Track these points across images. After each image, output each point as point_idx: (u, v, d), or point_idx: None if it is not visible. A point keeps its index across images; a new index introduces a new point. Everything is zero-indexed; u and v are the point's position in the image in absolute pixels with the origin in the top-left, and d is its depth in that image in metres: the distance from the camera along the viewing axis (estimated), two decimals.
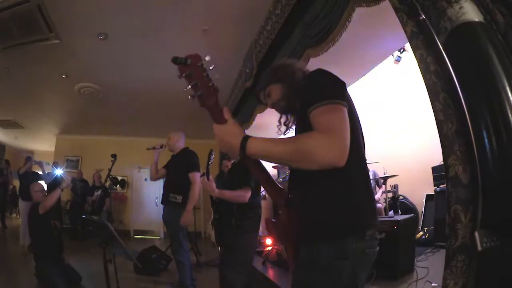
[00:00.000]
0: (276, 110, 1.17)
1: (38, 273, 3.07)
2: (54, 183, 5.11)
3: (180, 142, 3.14)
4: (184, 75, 0.85)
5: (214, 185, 2.24)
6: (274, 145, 0.85)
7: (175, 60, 0.83)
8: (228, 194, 2.22)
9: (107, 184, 6.11)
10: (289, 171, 1.08)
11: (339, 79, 0.96)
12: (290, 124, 1.18)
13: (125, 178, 8.16)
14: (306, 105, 0.90)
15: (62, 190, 2.89)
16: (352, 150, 0.83)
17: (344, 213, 0.89)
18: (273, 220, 1.07)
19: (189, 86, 0.86)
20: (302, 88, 1.00)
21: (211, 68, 0.88)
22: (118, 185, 8.05)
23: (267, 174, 1.01)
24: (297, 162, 0.83)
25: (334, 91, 0.91)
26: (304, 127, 0.90)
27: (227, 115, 0.92)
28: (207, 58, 0.87)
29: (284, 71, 1.12)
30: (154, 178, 3.22)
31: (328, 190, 0.90)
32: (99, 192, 6.45)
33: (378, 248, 0.94)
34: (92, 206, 6.39)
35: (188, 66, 0.84)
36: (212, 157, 2.57)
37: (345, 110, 0.88)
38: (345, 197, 0.90)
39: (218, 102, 0.91)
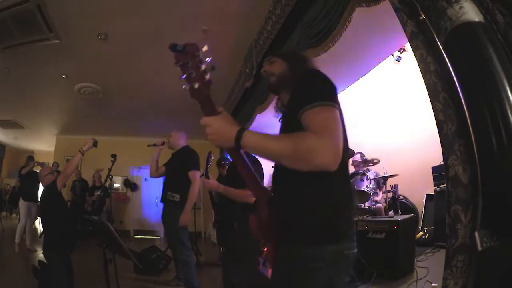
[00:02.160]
0: (267, 79, 1.16)
1: (41, 267, 3.05)
2: None
3: (180, 140, 3.11)
4: (180, 63, 0.82)
5: (216, 181, 2.20)
6: (271, 140, 0.84)
7: (173, 47, 0.81)
8: (234, 191, 2.15)
9: (107, 184, 6.12)
10: (273, 171, 1.06)
11: (332, 82, 0.96)
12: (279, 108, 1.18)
13: (125, 177, 8.20)
14: (300, 103, 0.88)
15: (83, 154, 2.65)
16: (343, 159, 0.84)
17: (324, 216, 0.89)
18: (256, 218, 1.05)
19: (184, 76, 0.84)
20: (296, 85, 1.00)
21: (208, 59, 0.85)
22: (129, 188, 8.13)
23: (252, 172, 0.99)
24: (292, 160, 0.82)
25: (330, 93, 0.91)
26: (292, 124, 0.90)
27: (219, 108, 0.90)
28: (204, 49, 0.85)
29: (300, 62, 1.12)
30: (153, 175, 3.21)
31: (310, 192, 0.89)
32: (99, 192, 6.47)
33: (356, 250, 0.93)
34: (92, 206, 6.39)
35: (185, 54, 0.82)
36: (211, 159, 2.54)
37: (338, 114, 0.88)
38: (326, 200, 0.90)
39: (210, 95, 0.88)
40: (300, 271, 0.87)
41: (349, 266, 0.93)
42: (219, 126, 0.86)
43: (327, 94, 0.90)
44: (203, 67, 0.85)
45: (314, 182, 0.86)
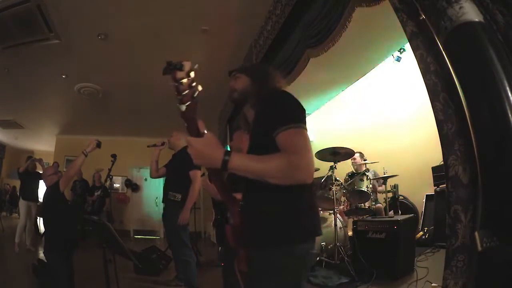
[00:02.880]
0: (231, 93, 1.21)
1: (41, 266, 3.04)
2: None
3: (181, 141, 3.13)
4: (177, 83, 0.80)
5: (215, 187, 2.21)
6: (257, 162, 0.92)
7: (170, 65, 0.79)
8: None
9: (107, 184, 6.12)
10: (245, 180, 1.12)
11: (301, 103, 1.06)
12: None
13: (125, 177, 8.21)
14: (273, 123, 0.96)
15: (86, 156, 2.62)
16: None
17: (295, 219, 0.99)
18: (228, 225, 1.14)
19: (179, 96, 0.82)
20: (265, 103, 1.06)
21: (197, 78, 0.85)
22: (130, 188, 8.14)
23: (224, 183, 1.08)
24: (278, 179, 0.91)
25: (301, 116, 1.01)
26: (264, 141, 0.98)
27: (203, 128, 0.92)
28: (196, 67, 0.83)
29: (263, 77, 1.18)
30: (154, 175, 3.22)
31: (283, 198, 0.98)
32: (99, 192, 6.46)
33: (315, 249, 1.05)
34: (92, 206, 6.39)
35: (181, 72, 0.80)
36: None
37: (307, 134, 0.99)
38: (296, 205, 1.00)
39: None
40: (274, 269, 0.97)
41: (313, 262, 1.05)
42: (203, 149, 0.89)
43: (298, 116, 1.00)
44: (194, 84, 0.83)
45: (286, 189, 0.94)
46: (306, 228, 1.01)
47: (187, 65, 0.81)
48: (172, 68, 0.79)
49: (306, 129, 0.99)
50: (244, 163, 0.91)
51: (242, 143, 2.12)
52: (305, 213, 1.01)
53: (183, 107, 0.83)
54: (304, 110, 1.04)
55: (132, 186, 8.20)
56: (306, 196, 1.02)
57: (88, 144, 2.64)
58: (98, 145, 2.65)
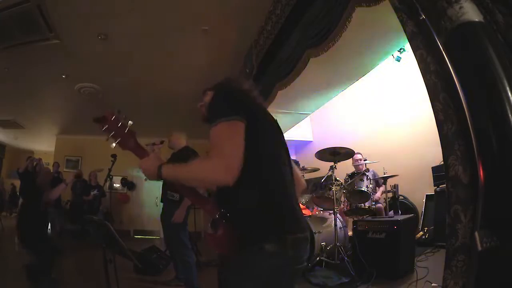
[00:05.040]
0: (201, 109, 1.25)
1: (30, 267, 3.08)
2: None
3: (181, 140, 3.12)
4: (103, 129, 1.06)
5: None
6: (179, 170, 0.99)
7: (96, 120, 1.07)
8: None
9: (107, 184, 6.12)
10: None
11: (233, 91, 1.07)
12: None
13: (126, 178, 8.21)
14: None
15: (66, 185, 2.81)
16: (262, 161, 0.96)
17: (262, 221, 0.92)
18: (210, 233, 1.07)
19: (110, 136, 1.06)
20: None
21: (124, 118, 1.10)
22: (126, 186, 8.14)
23: (195, 191, 1.11)
24: (198, 182, 0.97)
25: (224, 107, 0.96)
26: None
27: (148, 151, 1.11)
28: (117, 111, 1.09)
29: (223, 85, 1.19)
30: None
31: (246, 200, 0.93)
32: (95, 192, 6.46)
33: (303, 251, 0.98)
34: (91, 206, 6.38)
35: (104, 121, 1.05)
36: None
37: (237, 124, 0.91)
38: (263, 206, 0.92)
39: (138, 142, 1.11)
40: (249, 274, 0.91)
41: (297, 264, 0.97)
42: (146, 166, 1.05)
43: (220, 109, 0.96)
44: (120, 123, 1.07)
45: (247, 191, 0.92)
46: (269, 229, 0.92)
47: (108, 115, 1.06)
48: (96, 121, 1.07)
49: (230, 119, 0.91)
50: (171, 171, 1.00)
51: None
52: (269, 214, 0.93)
53: (113, 145, 1.08)
54: (231, 96, 1.02)
55: (128, 184, 8.19)
56: (268, 193, 0.95)
57: (68, 176, 2.77)
58: (78, 175, 2.80)
